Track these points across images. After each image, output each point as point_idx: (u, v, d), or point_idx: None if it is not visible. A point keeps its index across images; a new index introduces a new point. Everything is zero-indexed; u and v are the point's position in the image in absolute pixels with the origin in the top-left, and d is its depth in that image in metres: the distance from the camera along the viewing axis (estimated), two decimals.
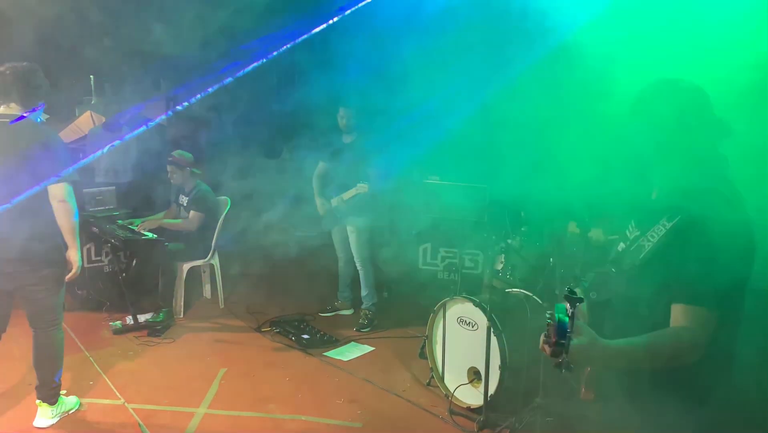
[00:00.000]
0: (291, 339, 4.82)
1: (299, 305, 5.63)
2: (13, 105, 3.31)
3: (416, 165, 5.90)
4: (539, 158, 5.28)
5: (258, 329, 5.08)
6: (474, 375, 3.80)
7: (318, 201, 5.25)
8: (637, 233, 1.72)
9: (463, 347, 3.85)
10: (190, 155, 5.49)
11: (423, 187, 5.67)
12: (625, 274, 1.72)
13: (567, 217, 4.22)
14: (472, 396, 3.78)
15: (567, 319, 1.32)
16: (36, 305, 3.44)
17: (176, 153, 5.48)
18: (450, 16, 5.00)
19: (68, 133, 8.92)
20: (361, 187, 4.81)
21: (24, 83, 3.30)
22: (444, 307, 3.96)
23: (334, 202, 5.09)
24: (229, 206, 5.65)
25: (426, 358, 4.13)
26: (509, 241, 3.96)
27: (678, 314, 1.56)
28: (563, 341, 1.31)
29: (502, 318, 3.61)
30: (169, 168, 5.43)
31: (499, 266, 3.93)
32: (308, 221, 6.51)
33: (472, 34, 5.02)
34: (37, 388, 3.54)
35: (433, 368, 4.04)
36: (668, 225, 1.62)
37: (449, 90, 5.40)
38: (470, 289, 4.05)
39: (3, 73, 3.28)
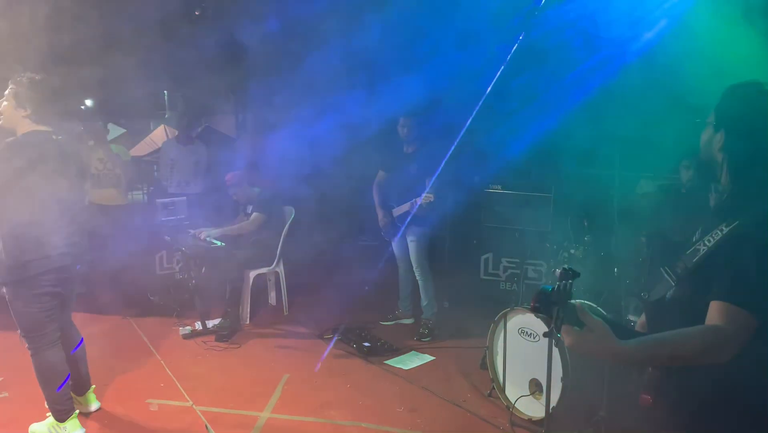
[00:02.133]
0: (352, 347, 4.88)
1: (360, 313, 5.70)
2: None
3: (478, 174, 5.88)
4: (605, 166, 5.19)
5: (320, 336, 5.17)
6: (535, 387, 3.74)
7: (379, 213, 5.28)
8: (697, 238, 1.69)
9: (525, 358, 3.80)
10: (245, 173, 5.66)
11: (485, 197, 5.63)
12: (677, 277, 1.70)
13: (633, 225, 4.12)
14: (533, 408, 3.71)
15: (549, 288, 1.49)
16: (72, 303, 3.72)
17: (230, 175, 5.65)
18: (521, 25, 4.98)
19: (143, 147, 9.38)
20: (410, 205, 4.84)
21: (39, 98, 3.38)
22: (505, 317, 3.92)
23: (395, 212, 5.11)
24: (293, 216, 5.78)
25: (487, 369, 4.10)
26: (572, 251, 3.89)
27: (714, 311, 1.52)
28: (537, 305, 1.48)
29: None
30: (230, 192, 5.63)
31: None
32: (370, 230, 6.58)
33: (543, 44, 4.99)
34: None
35: (494, 379, 4.00)
36: (725, 230, 1.59)
37: (513, 98, 5.38)
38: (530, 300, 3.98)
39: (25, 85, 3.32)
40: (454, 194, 5.09)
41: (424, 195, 4.79)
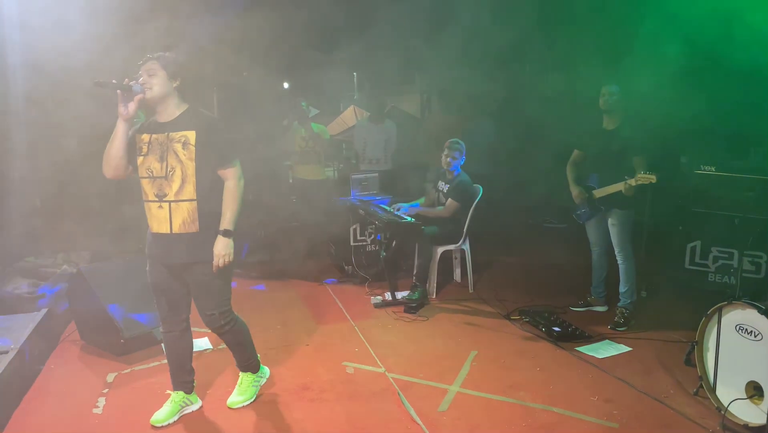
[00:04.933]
0: (541, 330, 4.75)
1: (548, 296, 5.55)
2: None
3: (687, 153, 5.37)
4: None
5: (507, 317, 5.11)
6: (754, 390, 3.36)
7: (574, 192, 5.02)
8: None
9: (742, 357, 3.42)
10: (462, 144, 5.72)
11: (694, 179, 5.12)
12: None
13: None
14: (751, 413, 3.34)
15: None
16: None
17: (452, 140, 5.76)
18: None
19: (334, 126, 9.92)
20: (624, 186, 4.48)
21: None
22: (720, 312, 3.56)
23: (598, 194, 4.80)
24: (480, 194, 5.76)
25: (693, 365, 3.76)
26: None
27: None
28: None
29: None
30: (445, 152, 5.72)
31: None
32: (559, 212, 6.34)
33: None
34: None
35: (703, 377, 3.66)
36: None
37: (726, 67, 4.80)
38: (749, 295, 3.57)
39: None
40: (660, 175, 4.68)
41: (640, 175, 4.39)
